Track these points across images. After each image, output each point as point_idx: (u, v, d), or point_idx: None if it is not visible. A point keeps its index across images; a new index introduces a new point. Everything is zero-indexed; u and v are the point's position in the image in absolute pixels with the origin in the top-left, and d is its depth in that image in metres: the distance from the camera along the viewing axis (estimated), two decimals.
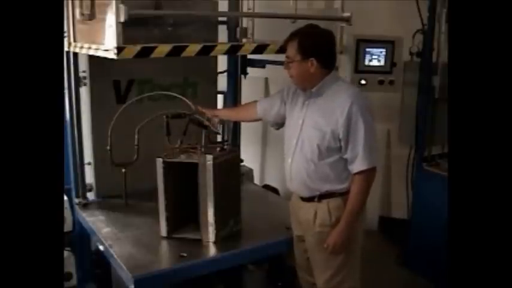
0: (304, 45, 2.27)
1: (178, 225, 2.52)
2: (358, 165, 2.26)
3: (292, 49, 2.30)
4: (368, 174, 2.27)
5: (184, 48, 2.29)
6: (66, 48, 2.69)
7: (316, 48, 2.28)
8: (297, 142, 2.37)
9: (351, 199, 2.29)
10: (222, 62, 3.57)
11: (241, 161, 3.35)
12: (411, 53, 3.77)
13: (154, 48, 2.21)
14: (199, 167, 2.36)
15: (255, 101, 2.73)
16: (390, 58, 3.61)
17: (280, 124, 2.60)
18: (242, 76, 3.65)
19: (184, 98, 2.66)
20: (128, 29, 2.09)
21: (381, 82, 3.61)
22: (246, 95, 3.72)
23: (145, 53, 2.18)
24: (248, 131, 3.89)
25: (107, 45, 2.20)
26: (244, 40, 2.86)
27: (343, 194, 2.32)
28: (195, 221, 2.46)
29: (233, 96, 3.64)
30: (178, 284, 2.37)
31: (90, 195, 3.02)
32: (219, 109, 3.29)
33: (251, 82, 3.83)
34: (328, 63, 2.32)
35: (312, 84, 2.33)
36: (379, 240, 4.26)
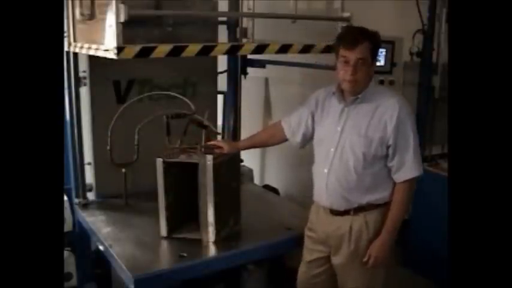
0: (375, 47, 2.16)
1: (178, 225, 2.52)
2: (405, 174, 2.16)
3: (366, 50, 2.12)
4: (413, 182, 2.19)
5: (184, 48, 2.29)
6: (66, 48, 2.69)
7: (377, 52, 2.21)
8: (335, 150, 2.22)
9: (394, 209, 2.18)
10: (222, 62, 3.57)
11: (241, 161, 3.35)
12: (411, 53, 3.78)
13: (154, 48, 2.21)
14: (199, 167, 2.36)
15: (279, 122, 2.53)
16: (390, 58, 3.60)
17: (308, 141, 2.42)
18: (242, 76, 3.65)
19: (184, 98, 2.66)
20: (127, 29, 2.09)
21: (381, 82, 3.59)
22: (246, 95, 3.72)
23: (145, 53, 2.18)
24: (248, 131, 3.88)
25: (107, 45, 2.20)
26: (244, 40, 2.87)
27: (380, 206, 2.21)
28: (195, 221, 2.46)
29: (233, 96, 3.64)
30: (178, 284, 2.37)
31: (90, 195, 3.01)
32: (237, 142, 2.89)
33: (251, 82, 3.83)
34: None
35: (363, 88, 2.20)
36: None
